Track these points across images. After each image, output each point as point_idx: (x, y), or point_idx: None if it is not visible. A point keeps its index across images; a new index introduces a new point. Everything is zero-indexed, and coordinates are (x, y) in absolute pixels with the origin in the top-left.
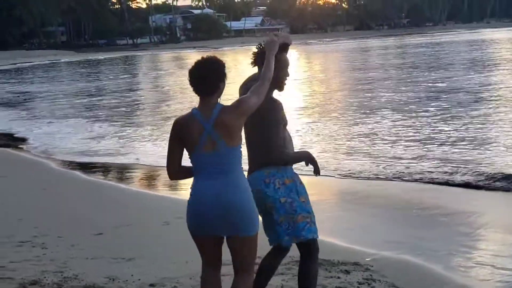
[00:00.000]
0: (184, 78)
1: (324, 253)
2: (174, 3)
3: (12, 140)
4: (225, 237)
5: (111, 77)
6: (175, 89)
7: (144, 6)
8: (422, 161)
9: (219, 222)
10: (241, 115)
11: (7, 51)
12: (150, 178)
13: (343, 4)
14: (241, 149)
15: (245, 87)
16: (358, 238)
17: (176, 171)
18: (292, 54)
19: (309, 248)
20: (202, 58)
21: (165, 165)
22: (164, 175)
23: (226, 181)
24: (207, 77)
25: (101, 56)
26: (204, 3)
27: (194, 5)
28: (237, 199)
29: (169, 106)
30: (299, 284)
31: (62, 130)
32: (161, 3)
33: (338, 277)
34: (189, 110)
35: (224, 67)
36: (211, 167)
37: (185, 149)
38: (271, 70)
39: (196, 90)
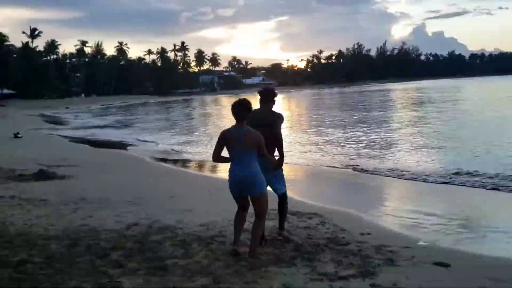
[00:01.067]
0: (219, 110)
1: (297, 207)
2: (213, 68)
3: (124, 147)
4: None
5: (179, 108)
6: (215, 115)
7: (196, 70)
8: (354, 156)
9: (243, 187)
10: (254, 142)
11: (121, 95)
12: (201, 166)
13: (308, 69)
14: (255, 152)
15: (251, 116)
16: (318, 198)
17: (217, 158)
18: (279, 97)
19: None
20: (239, 99)
21: (211, 157)
22: (208, 165)
23: (245, 166)
24: (240, 110)
25: (173, 98)
26: (230, 69)
27: (224, 70)
28: (252, 175)
29: (212, 126)
30: (281, 214)
31: (154, 140)
32: (206, 69)
33: (305, 221)
34: (229, 127)
35: (250, 104)
36: (238, 158)
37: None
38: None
39: (234, 116)
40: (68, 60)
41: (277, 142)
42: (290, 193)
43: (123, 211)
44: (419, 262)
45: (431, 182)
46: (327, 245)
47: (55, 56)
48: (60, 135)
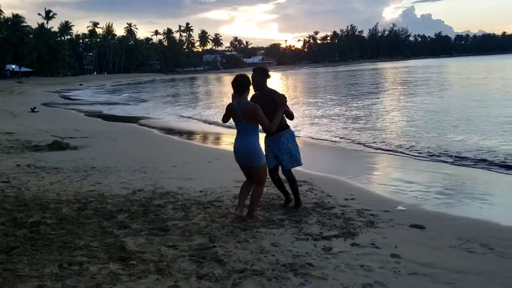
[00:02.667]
0: (221, 87)
1: None
2: (216, 48)
3: (134, 120)
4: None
5: (185, 86)
6: (217, 91)
7: (200, 50)
8: (345, 130)
9: (243, 158)
10: (250, 114)
11: (130, 73)
12: (205, 138)
13: (305, 49)
14: (253, 125)
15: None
16: (311, 167)
17: (225, 121)
18: (278, 76)
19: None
20: (238, 75)
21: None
22: (211, 137)
23: (244, 138)
24: (241, 84)
25: (178, 76)
26: (232, 49)
27: (227, 50)
28: (249, 147)
29: (216, 99)
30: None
31: (159, 114)
32: (209, 48)
33: None
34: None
35: (248, 78)
36: (239, 131)
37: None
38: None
39: (235, 91)
40: (81, 40)
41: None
42: None
43: (130, 178)
44: (397, 225)
45: (416, 157)
46: (314, 209)
47: (69, 37)
48: (74, 110)
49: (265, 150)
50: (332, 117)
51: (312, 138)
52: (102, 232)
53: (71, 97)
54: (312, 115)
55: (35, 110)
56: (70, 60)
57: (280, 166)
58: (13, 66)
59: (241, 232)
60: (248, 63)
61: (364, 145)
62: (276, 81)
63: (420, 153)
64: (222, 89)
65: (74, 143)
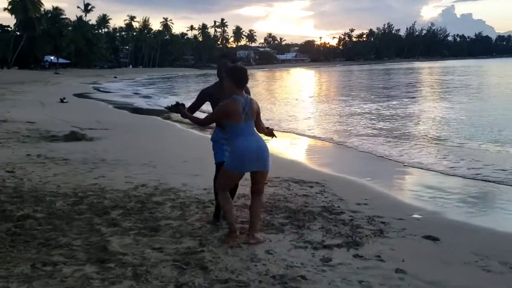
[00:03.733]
0: (252, 82)
1: (302, 175)
2: (250, 44)
3: (161, 113)
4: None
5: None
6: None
7: (234, 45)
8: (373, 130)
9: (260, 160)
10: (256, 111)
11: (164, 68)
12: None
13: (339, 47)
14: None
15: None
16: (329, 167)
17: (209, 123)
18: (311, 73)
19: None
20: (241, 65)
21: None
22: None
23: (258, 137)
24: (246, 75)
25: (211, 71)
26: (265, 45)
27: (260, 46)
28: (267, 147)
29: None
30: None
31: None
32: (242, 44)
33: (305, 189)
34: (231, 98)
35: None
36: (248, 130)
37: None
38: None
39: (239, 82)
40: (117, 34)
41: None
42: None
43: (136, 172)
44: (409, 235)
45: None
46: (321, 213)
47: (106, 30)
48: (104, 101)
49: (220, 144)
50: (360, 117)
51: (336, 138)
52: (89, 229)
53: (104, 89)
54: (340, 114)
55: (64, 100)
56: (107, 53)
57: None
58: (52, 58)
59: (237, 238)
60: (281, 60)
61: (390, 146)
62: (310, 77)
63: (452, 165)
64: (253, 84)
65: (92, 134)
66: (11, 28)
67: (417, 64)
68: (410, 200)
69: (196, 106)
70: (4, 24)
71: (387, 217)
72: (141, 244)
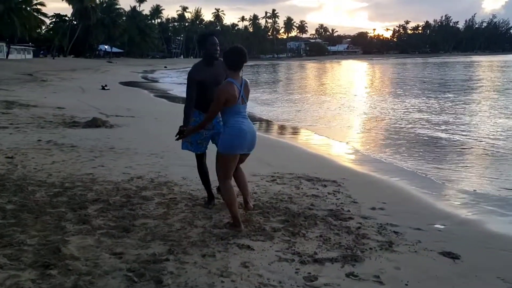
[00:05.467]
0: (298, 72)
1: (319, 172)
2: (301, 35)
3: None
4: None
5: (265, 72)
6: (298, 76)
7: (285, 37)
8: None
9: (253, 142)
10: (248, 93)
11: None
12: (255, 123)
13: (394, 39)
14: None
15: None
16: (353, 163)
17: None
18: (364, 65)
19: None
20: (239, 48)
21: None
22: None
23: (249, 121)
24: (244, 57)
25: (260, 63)
26: (317, 36)
27: (311, 37)
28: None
29: (297, 82)
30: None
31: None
32: (293, 36)
33: (317, 188)
34: (227, 81)
35: None
36: (243, 113)
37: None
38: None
39: (235, 65)
40: (170, 24)
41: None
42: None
43: (140, 163)
44: (423, 250)
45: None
46: (325, 218)
47: (159, 20)
48: (148, 89)
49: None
50: (412, 110)
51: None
52: (54, 226)
53: (152, 78)
54: (394, 107)
55: (106, 87)
56: (159, 43)
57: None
58: (106, 47)
59: (215, 242)
60: (332, 51)
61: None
62: (363, 70)
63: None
64: (301, 75)
65: (115, 121)
66: (68, 17)
67: (475, 58)
68: (438, 205)
69: (194, 94)
70: (62, 13)
71: (403, 226)
72: (101, 247)
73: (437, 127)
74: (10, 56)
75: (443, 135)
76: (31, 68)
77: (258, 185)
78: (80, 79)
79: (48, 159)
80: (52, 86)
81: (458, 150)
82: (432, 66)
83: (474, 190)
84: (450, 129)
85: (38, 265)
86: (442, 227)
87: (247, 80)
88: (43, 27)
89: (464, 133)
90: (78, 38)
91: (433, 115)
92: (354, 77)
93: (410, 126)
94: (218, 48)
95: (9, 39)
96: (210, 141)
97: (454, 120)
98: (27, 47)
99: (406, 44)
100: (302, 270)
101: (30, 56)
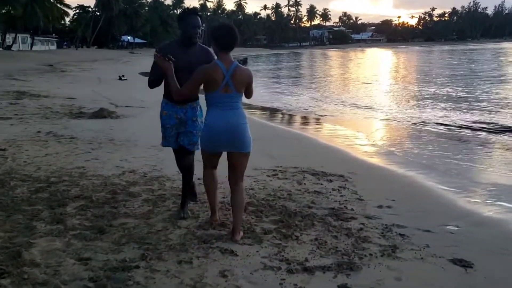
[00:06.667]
0: (319, 60)
1: (326, 166)
2: (324, 23)
3: None
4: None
5: (288, 61)
6: (319, 64)
7: (308, 25)
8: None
9: (229, 140)
10: (246, 81)
11: (237, 48)
12: (271, 118)
13: (419, 26)
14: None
15: None
16: (366, 154)
17: (191, 92)
18: (388, 53)
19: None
20: (229, 25)
21: None
22: (277, 117)
23: (235, 113)
24: (233, 35)
25: (283, 51)
26: (340, 24)
27: (335, 25)
28: (243, 125)
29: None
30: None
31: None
32: (316, 24)
33: (321, 184)
34: (213, 61)
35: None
36: (224, 103)
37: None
38: None
39: (221, 45)
40: None
41: None
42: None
43: (136, 156)
44: (431, 256)
45: None
46: (324, 218)
47: (181, 10)
48: None
49: (167, 127)
50: (436, 100)
51: (418, 122)
52: (24, 226)
53: None
54: (421, 97)
55: (123, 78)
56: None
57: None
58: (128, 38)
59: (196, 245)
60: (356, 39)
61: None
62: (387, 58)
63: None
64: (325, 63)
65: (123, 112)
66: (91, 8)
67: (505, 45)
68: (454, 203)
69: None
70: (85, 4)
71: (410, 227)
72: (68, 251)
73: (461, 119)
74: (34, 48)
75: (467, 127)
76: (53, 59)
77: (257, 180)
78: (100, 70)
79: (42, 151)
80: (70, 77)
81: (483, 143)
82: (460, 54)
83: (496, 187)
84: (475, 121)
85: None
86: (456, 228)
87: (242, 66)
88: (67, 18)
89: (490, 126)
90: (101, 29)
91: (457, 106)
92: (377, 65)
93: (432, 117)
94: (198, 31)
95: (33, 30)
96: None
97: (479, 112)
98: (50, 38)
99: (432, 32)
100: (287, 281)
101: (53, 47)
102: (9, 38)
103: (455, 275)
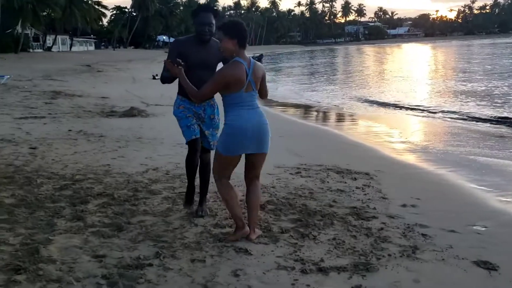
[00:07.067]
0: (355, 56)
1: (352, 164)
2: (359, 19)
3: None
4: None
5: (321, 58)
6: (354, 61)
7: (342, 21)
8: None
9: (260, 140)
10: (262, 76)
11: (269, 45)
12: (306, 115)
13: (458, 20)
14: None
15: None
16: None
17: (211, 94)
18: (426, 48)
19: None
20: (236, 19)
21: None
22: (319, 113)
23: (260, 112)
24: (246, 31)
25: (317, 48)
26: (376, 20)
27: (370, 21)
28: (267, 125)
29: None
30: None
31: (287, 85)
32: (351, 19)
33: (344, 182)
34: (234, 61)
35: None
36: (250, 102)
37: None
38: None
39: (241, 41)
40: (226, 12)
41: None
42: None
43: (161, 153)
44: (453, 257)
45: None
46: (345, 217)
47: (215, 8)
48: None
49: (187, 116)
50: (476, 96)
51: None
52: (46, 223)
53: None
54: (458, 92)
55: (156, 77)
56: (215, 31)
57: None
58: (164, 37)
59: (212, 244)
60: (392, 35)
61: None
62: (425, 53)
63: None
64: (362, 59)
65: (153, 111)
66: (127, 9)
67: None
68: (485, 202)
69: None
70: (122, 5)
71: (434, 228)
72: (85, 248)
73: (499, 115)
74: (73, 48)
75: (506, 123)
76: (91, 60)
77: (280, 178)
78: (135, 69)
79: (71, 149)
80: (105, 77)
81: None
82: (502, 47)
83: None
84: None
85: (8, 269)
86: (483, 229)
87: (258, 63)
88: (104, 20)
89: None
90: (137, 29)
91: (495, 102)
92: (413, 61)
93: (469, 112)
94: (210, 30)
95: (72, 32)
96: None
97: None
98: (88, 39)
99: (472, 25)
100: (300, 282)
101: (92, 48)
102: (49, 40)
103: (477, 278)
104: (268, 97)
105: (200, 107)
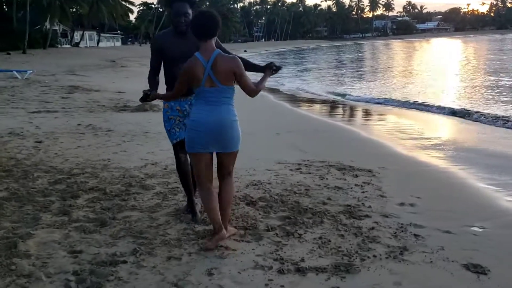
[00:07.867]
0: (382, 52)
1: (357, 160)
2: (387, 13)
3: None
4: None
5: (349, 51)
6: (382, 57)
7: (370, 16)
8: None
9: (216, 138)
10: (230, 71)
11: (296, 40)
12: (320, 110)
13: (490, 14)
14: (232, 88)
15: None
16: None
17: (180, 91)
18: (456, 42)
19: None
20: (207, 12)
21: None
22: (334, 109)
23: (221, 108)
24: (210, 25)
25: (344, 43)
26: (404, 14)
27: (398, 15)
28: (229, 121)
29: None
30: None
31: (305, 82)
32: (379, 14)
33: (344, 179)
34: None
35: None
36: (209, 98)
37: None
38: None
39: (199, 33)
40: (253, 8)
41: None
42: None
43: (164, 148)
44: (443, 259)
45: None
46: (337, 215)
47: (241, 4)
48: None
49: (169, 118)
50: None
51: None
52: (32, 217)
53: None
54: (482, 88)
55: None
56: (240, 27)
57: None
58: None
59: (192, 241)
60: (421, 29)
61: None
62: (455, 48)
63: None
64: (389, 55)
65: None
66: (154, 5)
67: None
68: (490, 202)
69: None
70: (148, 1)
71: (429, 228)
72: (63, 243)
73: None
74: (100, 44)
75: None
76: (116, 55)
77: (278, 175)
78: None
79: (75, 143)
80: (128, 72)
81: None
82: None
83: None
84: None
85: None
86: (480, 230)
87: (227, 55)
88: (131, 15)
89: None
90: (164, 24)
91: None
92: (441, 56)
93: (489, 109)
94: (186, 20)
95: (99, 28)
96: None
97: None
98: (115, 35)
99: (504, 19)
100: (274, 282)
101: (118, 43)
102: (77, 36)
103: (465, 282)
104: (290, 93)
105: (186, 101)
